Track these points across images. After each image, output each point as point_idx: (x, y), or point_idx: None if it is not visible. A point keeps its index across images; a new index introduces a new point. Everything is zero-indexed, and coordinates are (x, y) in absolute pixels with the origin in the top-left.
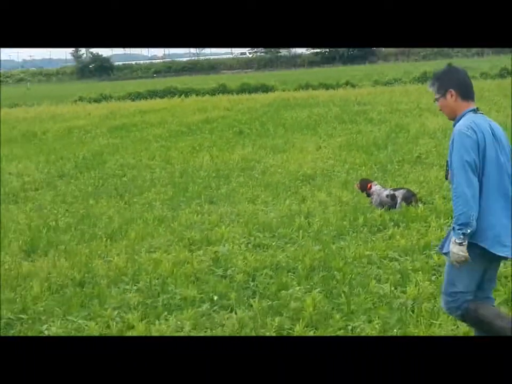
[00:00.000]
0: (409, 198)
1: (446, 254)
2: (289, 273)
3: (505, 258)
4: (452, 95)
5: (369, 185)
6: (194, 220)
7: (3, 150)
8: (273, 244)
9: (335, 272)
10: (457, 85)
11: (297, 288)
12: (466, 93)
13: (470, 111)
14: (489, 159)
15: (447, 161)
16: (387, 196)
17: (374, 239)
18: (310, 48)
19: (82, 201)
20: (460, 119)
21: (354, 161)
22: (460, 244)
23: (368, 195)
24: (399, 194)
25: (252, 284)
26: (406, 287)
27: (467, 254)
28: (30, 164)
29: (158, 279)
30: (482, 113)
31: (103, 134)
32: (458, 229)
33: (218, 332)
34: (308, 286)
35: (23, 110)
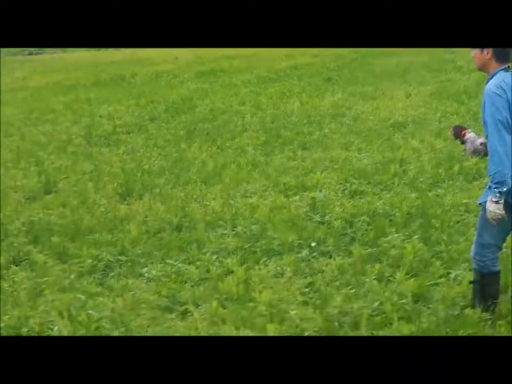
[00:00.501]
0: None
1: (480, 204)
2: (387, 220)
3: None
4: (488, 53)
5: (463, 132)
6: (289, 165)
7: (92, 93)
8: (369, 190)
9: (433, 220)
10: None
11: (396, 235)
12: (502, 57)
13: (502, 69)
14: None
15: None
16: (481, 143)
17: (470, 187)
18: None
19: (174, 145)
20: (491, 78)
21: (445, 110)
22: (497, 202)
23: (463, 142)
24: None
25: (349, 230)
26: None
27: (503, 212)
28: (120, 107)
29: (255, 224)
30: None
31: (191, 78)
32: (495, 188)
33: (318, 278)
34: (407, 234)
35: (110, 53)
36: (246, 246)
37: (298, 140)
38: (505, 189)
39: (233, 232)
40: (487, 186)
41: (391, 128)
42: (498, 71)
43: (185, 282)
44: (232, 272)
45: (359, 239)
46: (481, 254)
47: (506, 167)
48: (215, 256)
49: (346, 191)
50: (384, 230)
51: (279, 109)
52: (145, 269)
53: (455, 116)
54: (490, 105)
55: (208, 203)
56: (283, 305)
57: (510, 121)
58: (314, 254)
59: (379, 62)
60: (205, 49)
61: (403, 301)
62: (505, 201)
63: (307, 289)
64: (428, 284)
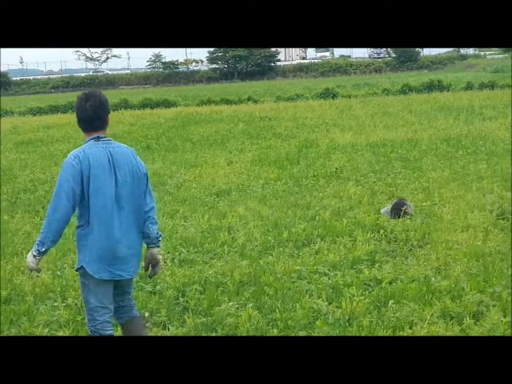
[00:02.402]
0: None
1: (77, 270)
2: (219, 289)
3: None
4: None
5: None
6: None
7: None
8: (199, 259)
9: (266, 287)
10: (78, 118)
11: (230, 303)
12: (90, 127)
13: (92, 139)
14: (95, 186)
15: None
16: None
17: (300, 254)
18: (208, 64)
19: None
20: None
21: (268, 176)
22: (35, 257)
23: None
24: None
25: (182, 299)
26: (340, 302)
27: (38, 267)
28: None
29: None
30: (108, 140)
31: (9, 149)
32: (37, 244)
33: None
34: (240, 302)
35: None
36: (78, 318)
37: None
38: (43, 249)
39: (64, 304)
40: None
41: (215, 196)
42: (88, 140)
43: None
44: None
45: (192, 308)
46: (92, 319)
47: (50, 232)
48: (46, 330)
49: (175, 260)
50: (217, 299)
51: None
52: None
53: (278, 182)
54: (62, 172)
55: (37, 275)
56: None
57: (77, 190)
58: (148, 324)
59: (197, 130)
60: (20, 119)
61: None
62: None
63: None
64: None
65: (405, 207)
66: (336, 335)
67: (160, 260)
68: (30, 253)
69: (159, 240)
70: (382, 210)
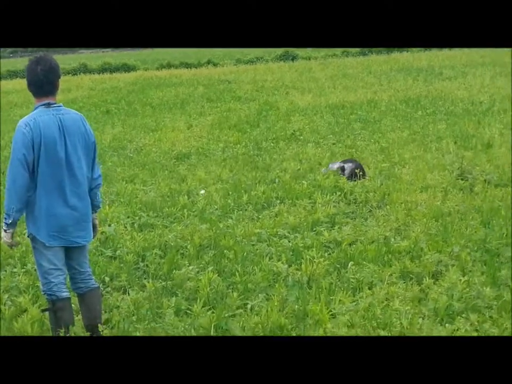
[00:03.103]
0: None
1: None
2: (180, 253)
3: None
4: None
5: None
6: None
7: None
8: (159, 223)
9: (226, 251)
10: (28, 82)
11: (190, 267)
12: (41, 91)
13: (42, 105)
14: (46, 153)
15: None
16: (337, 168)
17: (260, 217)
18: None
19: None
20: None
21: (228, 139)
22: (5, 231)
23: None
24: (347, 166)
25: (142, 264)
26: (300, 264)
27: (11, 241)
28: None
29: None
30: (58, 107)
31: None
32: (5, 218)
33: (114, 314)
34: (201, 266)
35: None
36: (37, 284)
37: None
38: (10, 221)
39: (23, 270)
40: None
41: (174, 160)
42: (37, 106)
43: None
44: (25, 310)
45: (152, 273)
46: (46, 282)
47: (13, 202)
48: (6, 295)
49: (135, 225)
50: (178, 263)
51: None
52: None
53: (238, 145)
54: (14, 141)
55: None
56: None
57: (29, 158)
58: (108, 289)
59: (157, 94)
60: None
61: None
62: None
63: (104, 326)
64: (226, 315)
65: (351, 166)
66: (295, 296)
67: (98, 224)
68: (1, 229)
69: (100, 207)
70: (323, 170)
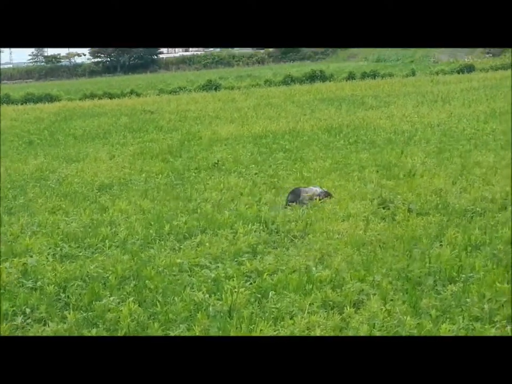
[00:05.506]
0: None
1: None
2: (101, 284)
3: None
4: None
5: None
6: None
7: None
8: (81, 254)
9: (147, 281)
10: None
11: (111, 298)
12: None
13: None
14: None
15: None
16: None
17: (182, 247)
18: (91, 58)
19: None
20: None
21: (150, 170)
22: None
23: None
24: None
25: (63, 295)
26: (221, 294)
27: None
28: None
29: None
30: None
31: None
32: None
33: None
34: (122, 296)
35: None
36: None
37: (3, 205)
38: None
39: None
40: None
41: (96, 190)
42: None
43: None
44: None
45: (73, 304)
46: None
47: None
48: None
49: (57, 256)
50: (99, 294)
51: None
52: None
53: (161, 175)
54: None
55: None
56: None
57: None
58: (29, 320)
59: (80, 125)
60: None
61: None
62: None
63: None
64: None
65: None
66: (217, 327)
67: None
68: None
69: None
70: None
